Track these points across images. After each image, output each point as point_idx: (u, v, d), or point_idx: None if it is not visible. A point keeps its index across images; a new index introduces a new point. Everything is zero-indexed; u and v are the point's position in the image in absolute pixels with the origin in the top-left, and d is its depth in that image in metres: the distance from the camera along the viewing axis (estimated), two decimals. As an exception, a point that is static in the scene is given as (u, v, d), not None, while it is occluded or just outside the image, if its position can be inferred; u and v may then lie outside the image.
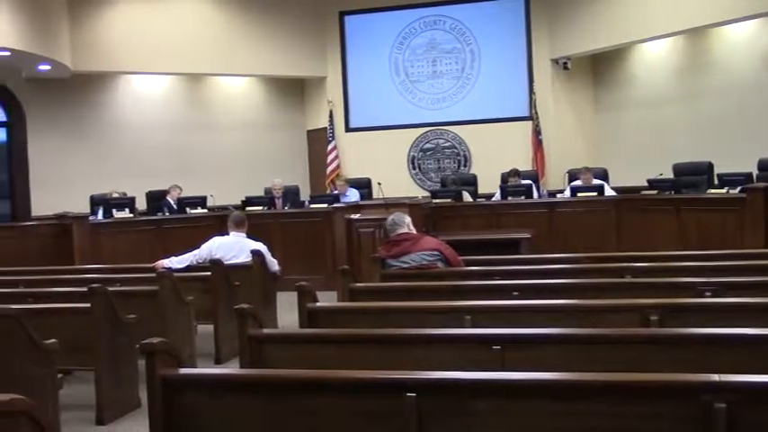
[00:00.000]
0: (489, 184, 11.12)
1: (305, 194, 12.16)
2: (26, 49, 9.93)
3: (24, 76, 11.44)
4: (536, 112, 12.22)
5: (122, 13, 11.78)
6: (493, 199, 10.19)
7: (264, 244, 7.08)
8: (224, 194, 11.50)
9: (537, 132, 12.16)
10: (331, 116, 12.98)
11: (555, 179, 11.79)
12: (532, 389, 2.41)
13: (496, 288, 4.62)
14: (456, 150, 12.83)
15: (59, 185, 11.60)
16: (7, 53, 9.87)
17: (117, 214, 10.16)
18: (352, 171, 12.65)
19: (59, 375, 4.32)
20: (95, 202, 10.67)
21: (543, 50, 12.33)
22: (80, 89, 11.96)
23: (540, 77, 12.33)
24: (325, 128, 13.07)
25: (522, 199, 9.72)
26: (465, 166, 12.73)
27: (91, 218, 10.16)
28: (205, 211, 10.53)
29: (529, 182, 10.41)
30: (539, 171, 11.85)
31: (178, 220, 10.24)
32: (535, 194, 10.07)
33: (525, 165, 11.88)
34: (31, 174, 11.75)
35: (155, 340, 2.83)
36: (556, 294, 4.28)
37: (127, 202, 10.34)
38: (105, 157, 12.08)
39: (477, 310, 3.85)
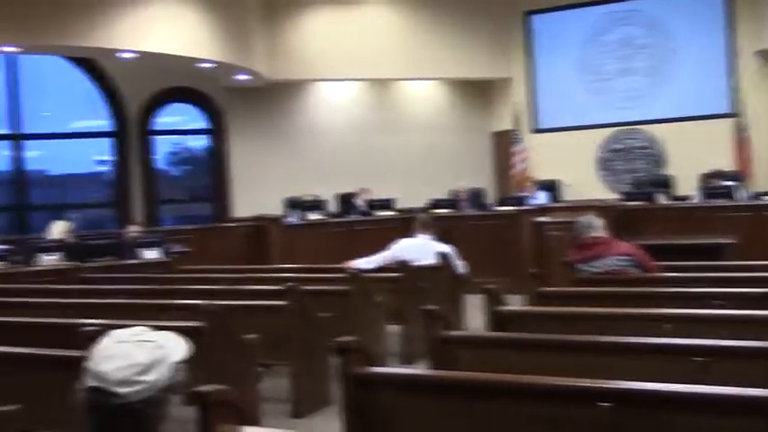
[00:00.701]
0: (685, 185, 10.53)
1: (490, 197, 12.09)
2: (227, 60, 10.63)
3: (223, 85, 12.24)
4: (740, 109, 11.41)
5: (314, 23, 12.26)
6: (690, 201, 9.63)
7: (451, 246, 7.11)
8: (409, 196, 11.66)
9: (741, 130, 11.36)
10: (516, 118, 12.83)
11: (762, 180, 10.96)
12: (741, 405, 2.25)
13: (696, 296, 4.36)
14: (649, 150, 12.25)
15: (257, 189, 12.26)
16: (211, 65, 10.62)
17: (309, 216, 10.61)
18: (539, 173, 12.42)
19: (259, 369, 4.58)
20: (289, 204, 11.18)
21: (746, 43, 11.50)
22: (275, 97, 12.58)
23: (744, 72, 11.52)
24: (510, 130, 12.92)
25: (725, 201, 9.10)
26: (659, 166, 12.11)
27: (285, 219, 10.67)
28: (392, 213, 10.73)
29: (732, 182, 9.73)
30: (743, 171, 11.04)
31: (367, 221, 10.51)
32: (740, 196, 9.39)
33: (725, 164, 11.11)
34: (232, 178, 12.53)
35: (348, 339, 2.92)
36: (764, 305, 3.97)
37: (319, 205, 10.76)
38: (298, 161, 12.61)
39: (676, 319, 3.65)
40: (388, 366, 5.70)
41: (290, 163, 12.57)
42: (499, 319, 3.92)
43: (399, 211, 10.95)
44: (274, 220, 10.66)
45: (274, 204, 11.35)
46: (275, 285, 5.82)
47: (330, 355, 4.92)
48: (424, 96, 13.59)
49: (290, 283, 5.37)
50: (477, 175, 12.90)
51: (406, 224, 9.52)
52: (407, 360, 6.27)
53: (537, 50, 12.91)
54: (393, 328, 6.49)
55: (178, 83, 12.21)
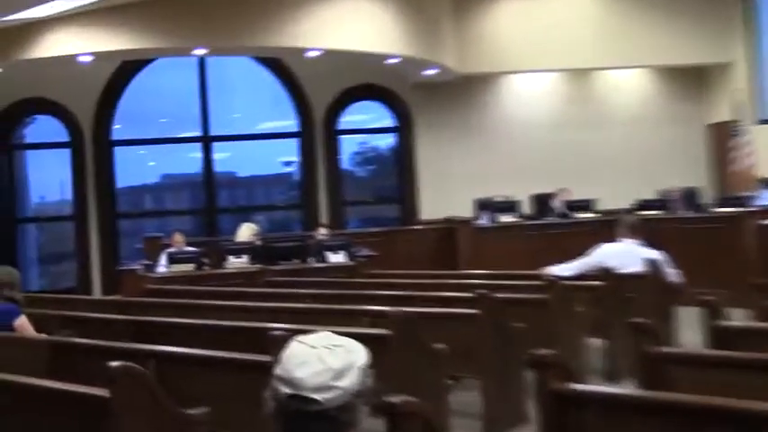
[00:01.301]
0: None
1: (705, 197, 11.43)
2: (415, 54, 10.77)
3: (410, 81, 12.40)
4: None
5: (506, 11, 12.15)
6: None
7: (660, 252, 6.79)
8: (612, 197, 11.26)
9: None
10: (738, 107, 12.02)
11: None
12: None
13: None
14: None
15: (445, 189, 12.34)
16: (397, 59, 10.80)
17: (501, 218, 10.54)
18: (765, 169, 11.56)
19: (448, 381, 4.58)
20: (480, 205, 11.17)
21: None
22: (465, 91, 12.59)
23: None
24: (730, 121, 12.13)
25: None
26: None
27: (475, 222, 10.66)
28: (592, 215, 10.44)
29: None
30: None
31: (564, 224, 10.29)
32: None
33: None
34: (419, 178, 12.70)
35: (545, 352, 2.85)
36: None
37: (511, 206, 10.67)
38: (489, 159, 12.55)
39: None
40: (589, 384, 5.53)
41: (480, 161, 12.53)
42: (720, 336, 3.69)
43: (601, 212, 10.63)
44: (464, 223, 10.68)
45: (463, 206, 11.37)
46: (465, 292, 5.83)
47: (525, 369, 4.84)
48: (627, 86, 13.11)
49: (481, 291, 5.34)
50: (689, 173, 12.25)
51: (608, 227, 9.20)
52: (610, 377, 6.06)
53: (762, 29, 12.04)
54: (594, 342, 6.30)
55: (364, 80, 12.54)
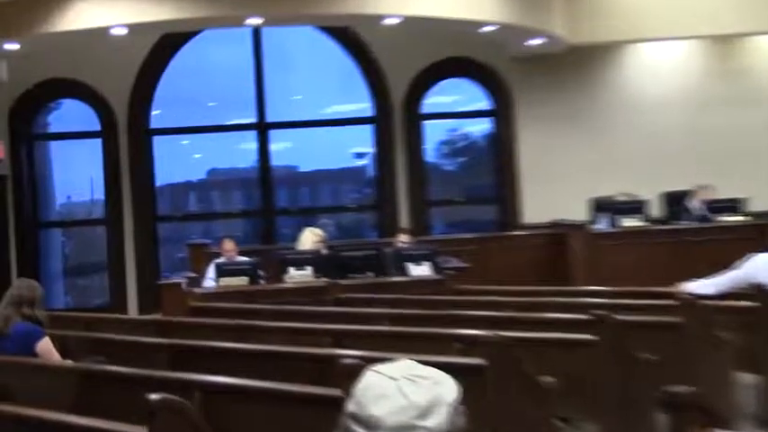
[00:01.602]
0: None
1: None
2: (516, 22, 10.70)
3: (510, 54, 12.35)
4: None
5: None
6: None
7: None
8: (766, 195, 10.99)
9: None
10: None
11: None
12: None
13: None
14: None
15: (552, 186, 12.25)
16: (494, 27, 10.72)
17: (624, 222, 10.40)
18: None
19: (558, 423, 4.53)
20: (597, 206, 11.04)
21: None
22: (577, 66, 12.46)
23: None
24: None
25: None
26: None
27: (592, 226, 10.54)
28: (741, 218, 10.22)
29: None
30: None
31: (705, 230, 10.10)
32: None
33: None
34: (521, 171, 12.64)
35: (681, 389, 2.81)
36: None
37: (637, 207, 10.51)
38: (608, 149, 12.39)
39: None
40: (739, 430, 5.42)
41: (596, 152, 12.39)
42: None
43: (752, 215, 10.38)
44: (577, 228, 10.60)
45: (576, 206, 11.25)
46: (579, 314, 5.80)
47: (656, 410, 4.75)
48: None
49: (599, 311, 5.28)
50: None
51: (760, 234, 9.02)
52: (765, 423, 5.90)
53: None
54: (744, 378, 6.14)
55: (453, 53, 12.53)
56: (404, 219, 12.38)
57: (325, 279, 8.73)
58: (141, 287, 11.99)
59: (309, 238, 9.84)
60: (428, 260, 9.00)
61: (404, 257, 9.12)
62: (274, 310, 7.70)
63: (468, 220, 13.56)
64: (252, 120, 12.75)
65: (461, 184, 14.01)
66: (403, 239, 10.13)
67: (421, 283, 8.63)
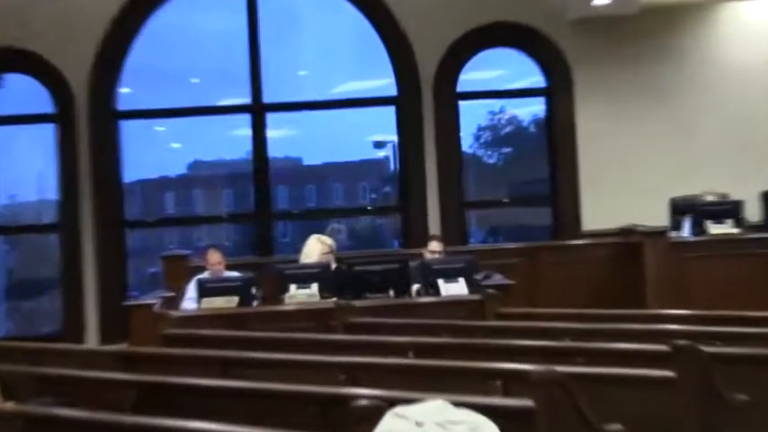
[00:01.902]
0: None
1: None
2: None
3: (569, 17, 12.36)
4: None
5: None
6: None
7: None
8: None
9: None
10: None
11: None
12: None
13: None
14: None
15: (622, 183, 12.25)
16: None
17: (712, 228, 10.35)
18: None
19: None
20: (678, 208, 11.00)
21: None
22: (653, 32, 12.42)
23: None
24: None
25: None
26: None
27: (671, 233, 10.49)
28: None
29: None
30: None
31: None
32: None
33: None
34: (581, 165, 12.60)
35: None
36: None
37: (729, 210, 10.45)
38: (693, 136, 12.32)
39: None
40: None
41: (678, 140, 12.34)
42: None
43: None
44: (653, 235, 10.54)
45: (651, 209, 11.26)
46: (654, 343, 5.75)
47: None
48: None
49: (679, 341, 5.22)
50: None
51: None
52: None
53: None
54: None
55: (496, 17, 12.53)
56: (434, 224, 12.34)
57: (334, 299, 8.70)
58: (103, 310, 12.01)
59: (316, 249, 9.82)
60: (464, 276, 8.94)
61: (434, 272, 9.08)
62: (271, 338, 7.66)
63: (515, 226, 13.55)
64: (245, 100, 12.76)
65: (506, 181, 14.01)
66: (433, 250, 10.09)
67: (455, 305, 8.58)
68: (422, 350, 6.65)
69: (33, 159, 12.69)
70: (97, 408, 5.06)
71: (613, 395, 5.08)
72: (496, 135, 13.84)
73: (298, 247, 10.31)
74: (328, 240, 10.00)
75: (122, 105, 12.54)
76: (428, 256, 9.92)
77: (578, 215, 12.53)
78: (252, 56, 12.62)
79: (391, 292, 8.91)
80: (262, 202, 12.80)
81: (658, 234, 10.61)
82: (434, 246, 10.18)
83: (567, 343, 6.54)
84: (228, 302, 8.90)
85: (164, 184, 14.04)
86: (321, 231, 10.77)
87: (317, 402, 5.01)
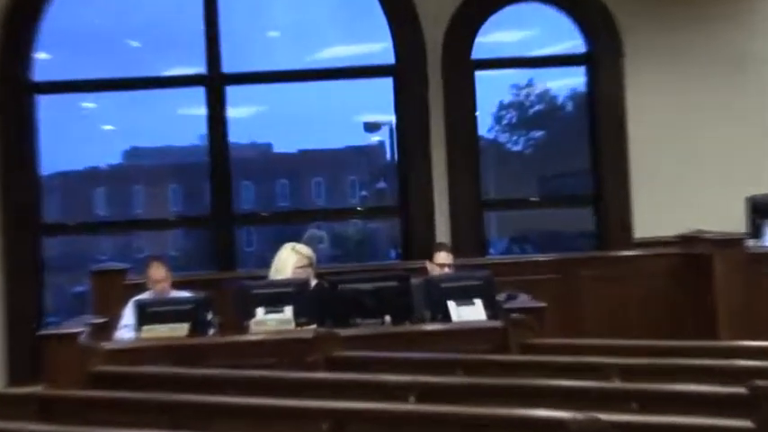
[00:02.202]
0: None
1: None
2: None
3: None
4: None
5: None
6: None
7: None
8: None
9: None
10: None
11: None
12: None
13: None
14: None
15: (684, 177, 12.29)
16: None
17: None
18: None
19: None
20: (757, 209, 11.03)
21: None
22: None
23: None
24: None
25: None
26: None
27: (748, 242, 10.50)
28: None
29: None
30: None
31: None
32: None
33: None
34: (632, 154, 12.61)
35: None
36: None
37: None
38: (762, 117, 12.38)
39: None
40: None
41: (756, 124, 12.35)
42: None
43: None
44: (725, 245, 10.52)
45: (724, 210, 11.35)
46: (727, 385, 5.78)
47: None
48: None
49: (759, 382, 5.20)
50: None
51: None
52: None
53: None
54: None
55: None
56: (442, 230, 12.35)
57: (314, 327, 8.67)
58: (12, 342, 11.98)
59: (290, 262, 9.80)
60: (482, 297, 8.93)
61: (443, 292, 9.06)
62: (232, 377, 7.62)
63: (548, 233, 13.54)
64: (198, 70, 12.78)
65: (536, 174, 14.01)
66: (441, 263, 10.07)
67: (469, 335, 8.55)
68: (427, 393, 6.61)
69: None
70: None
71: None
72: (523, 115, 13.85)
73: (267, 259, 10.28)
74: (306, 251, 9.97)
75: (39, 75, 12.49)
76: (434, 270, 9.90)
77: (629, 218, 12.55)
78: (207, 13, 12.60)
79: (387, 318, 8.90)
80: (220, 201, 12.75)
81: (732, 242, 10.59)
82: (443, 258, 10.16)
83: (615, 383, 6.53)
84: (176, 331, 8.86)
85: (92, 177, 14.01)
86: (297, 239, 10.74)
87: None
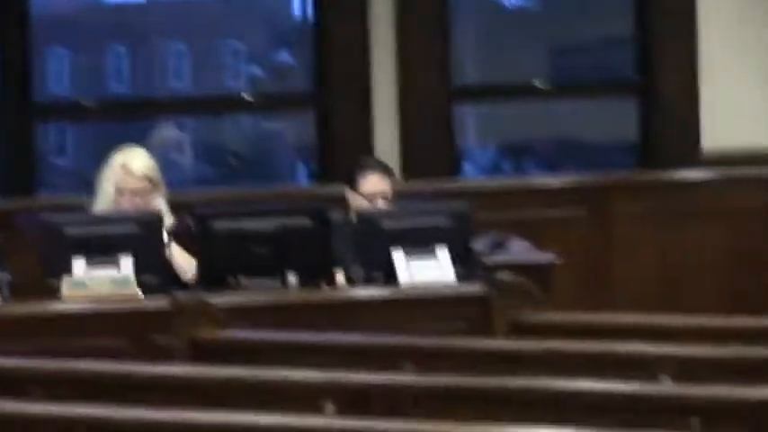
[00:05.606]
0: None
1: None
2: None
3: None
4: None
5: None
6: None
7: None
8: None
9: None
10: None
11: None
12: None
13: None
14: None
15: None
16: None
17: None
18: None
19: None
20: None
21: None
22: None
23: None
24: None
25: None
26: None
27: None
28: None
29: None
30: None
31: None
32: None
33: None
34: (701, 19, 12.73)
35: None
36: None
37: None
38: None
39: None
40: None
41: None
42: None
43: None
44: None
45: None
46: None
47: None
48: None
49: None
50: None
51: None
52: None
53: None
54: None
55: None
56: (385, 134, 12.41)
57: (169, 292, 8.73)
58: None
59: (127, 182, 9.80)
60: (449, 244, 9.00)
61: (385, 237, 9.13)
62: (33, 370, 7.68)
63: (562, 141, 13.60)
64: None
65: (544, 45, 14.02)
66: (370, 191, 10.07)
67: (427, 306, 8.68)
68: (353, 399, 6.69)
69: None
70: None
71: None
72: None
73: (89, 176, 10.32)
74: (145, 166, 9.94)
75: None
76: (368, 204, 9.91)
77: (695, 121, 12.73)
78: None
79: (292, 278, 8.95)
80: (9, 80, 12.89)
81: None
82: (373, 183, 10.13)
83: (666, 387, 6.61)
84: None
85: None
86: (141, 143, 10.75)
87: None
